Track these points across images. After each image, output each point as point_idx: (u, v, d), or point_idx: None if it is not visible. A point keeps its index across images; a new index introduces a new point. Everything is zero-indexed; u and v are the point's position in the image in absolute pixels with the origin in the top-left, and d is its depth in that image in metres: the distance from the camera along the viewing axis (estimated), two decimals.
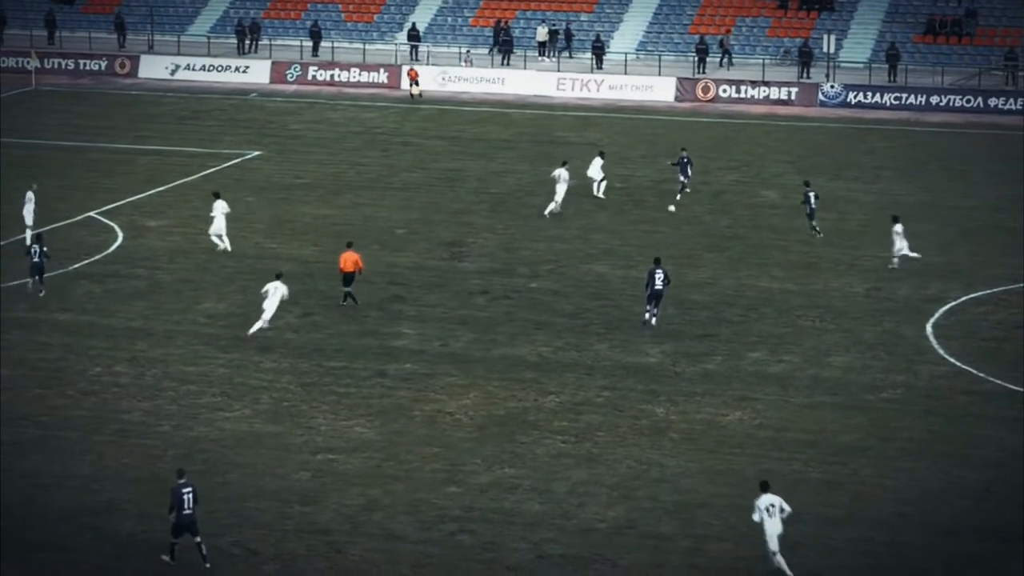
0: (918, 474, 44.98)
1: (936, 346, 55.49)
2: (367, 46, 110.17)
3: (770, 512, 38.09)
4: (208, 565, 38.20)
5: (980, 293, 61.15)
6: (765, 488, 38.85)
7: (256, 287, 59.88)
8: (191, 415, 48.98)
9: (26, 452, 46.08)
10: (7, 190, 74.74)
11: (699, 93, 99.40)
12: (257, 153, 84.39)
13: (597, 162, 73.93)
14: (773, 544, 37.87)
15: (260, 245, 67.02)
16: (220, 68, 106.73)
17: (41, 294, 58.49)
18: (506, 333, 56.54)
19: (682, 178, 74.32)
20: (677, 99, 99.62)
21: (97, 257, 64.69)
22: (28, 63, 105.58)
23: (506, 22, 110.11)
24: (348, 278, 58.41)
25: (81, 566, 39.58)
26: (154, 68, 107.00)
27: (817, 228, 67.39)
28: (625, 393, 50.79)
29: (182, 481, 38.74)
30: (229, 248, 64.29)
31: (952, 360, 54.07)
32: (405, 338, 55.65)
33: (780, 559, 37.72)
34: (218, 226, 64.86)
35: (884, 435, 47.92)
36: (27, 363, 48.64)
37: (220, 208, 64.98)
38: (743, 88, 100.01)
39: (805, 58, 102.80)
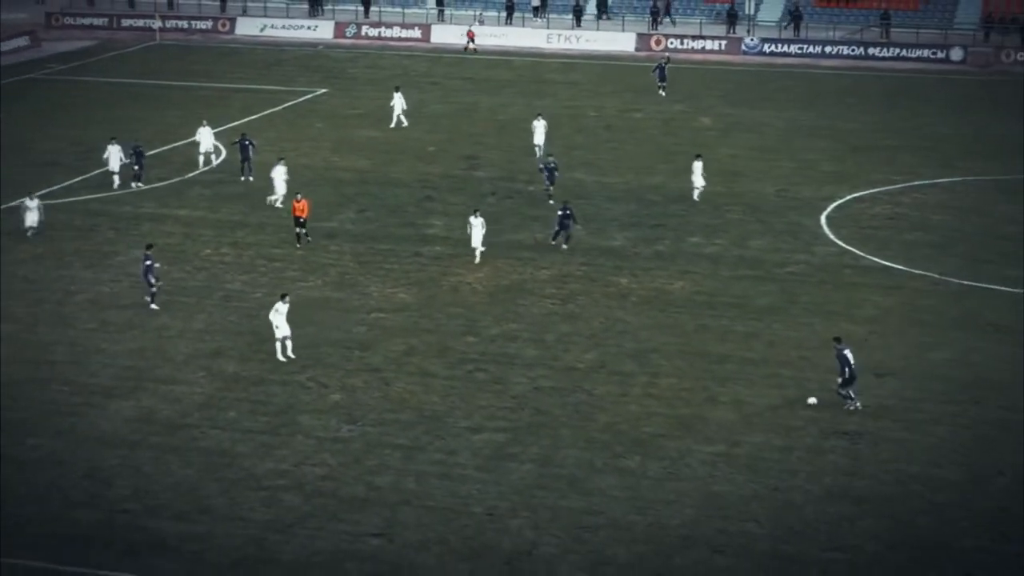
0: (815, 328, 45.08)
1: (828, 232, 55.47)
2: (405, 9, 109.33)
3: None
4: None
5: (862, 193, 61.05)
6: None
7: (325, 193, 59.93)
8: (277, 284, 48.96)
9: (156, 313, 46.22)
10: (142, 118, 74.63)
11: (652, 45, 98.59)
12: (324, 91, 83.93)
13: (540, 125, 67.13)
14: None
15: (327, 159, 66.84)
16: (296, 27, 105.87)
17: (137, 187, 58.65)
18: (510, 224, 56.49)
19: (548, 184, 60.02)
20: (636, 49, 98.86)
21: (205, 169, 64.50)
22: (153, 23, 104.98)
23: None
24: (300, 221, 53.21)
25: (197, 396, 39.84)
26: (247, 27, 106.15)
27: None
28: (598, 268, 50.85)
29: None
30: (279, 205, 57.70)
31: (840, 243, 54.08)
32: (435, 228, 55.64)
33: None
34: (279, 191, 57.96)
35: (790, 299, 48.04)
36: (156, 246, 48.60)
37: (280, 174, 58.09)
38: (686, 41, 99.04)
39: (731, 18, 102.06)
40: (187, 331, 44.45)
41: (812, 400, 39.08)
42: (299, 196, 53.47)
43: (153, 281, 46.22)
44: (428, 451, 36.48)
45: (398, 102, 74.17)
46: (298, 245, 52.66)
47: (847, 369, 38.32)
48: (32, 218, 52.92)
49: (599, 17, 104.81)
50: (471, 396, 39.87)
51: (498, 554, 31.57)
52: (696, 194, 59.18)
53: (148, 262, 46.29)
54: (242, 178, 62.63)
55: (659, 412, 38.77)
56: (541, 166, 61.01)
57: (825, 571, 30.96)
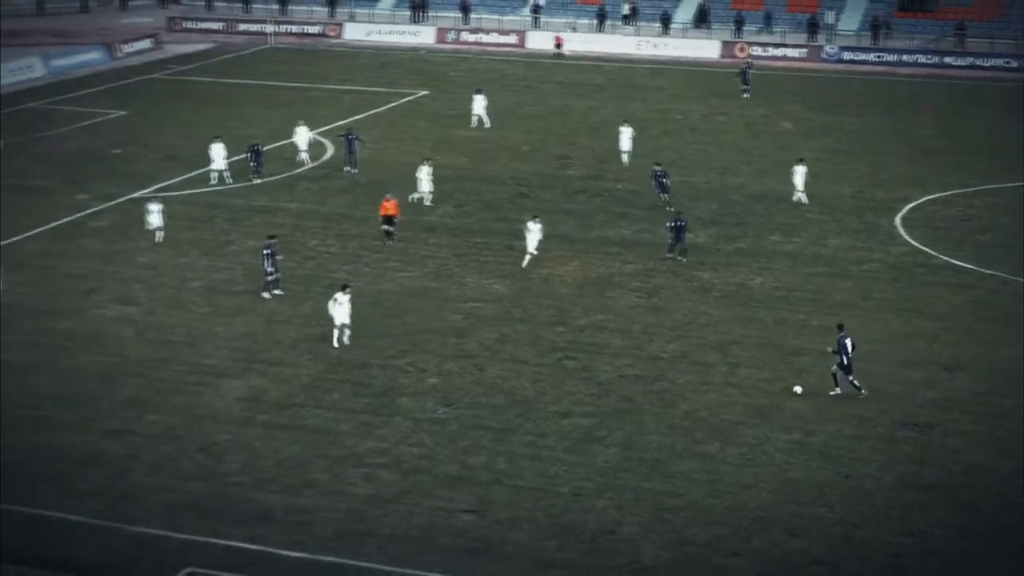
0: (888, 323, 44.69)
1: (903, 233, 54.86)
2: (502, 16, 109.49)
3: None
4: None
5: (935, 195, 60.32)
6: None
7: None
8: (379, 274, 49.32)
9: (267, 299, 46.61)
10: (255, 116, 75.30)
11: (737, 52, 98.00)
12: (425, 92, 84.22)
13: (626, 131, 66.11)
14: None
15: (428, 157, 67.00)
16: (399, 32, 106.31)
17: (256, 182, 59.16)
18: (599, 220, 56.42)
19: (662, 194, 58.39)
20: (721, 56, 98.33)
21: (314, 164, 64.96)
22: (266, 28, 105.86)
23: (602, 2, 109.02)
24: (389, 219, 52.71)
25: (303, 378, 40.15)
26: (354, 32, 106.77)
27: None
28: (681, 263, 50.60)
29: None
30: (428, 203, 57.63)
31: (914, 243, 53.47)
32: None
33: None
34: (423, 189, 57.97)
35: (864, 295, 47.59)
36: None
37: (426, 174, 58.07)
38: (768, 48, 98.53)
39: (812, 28, 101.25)
40: (295, 316, 44.81)
41: (798, 389, 38.89)
42: (388, 196, 53.35)
43: (271, 270, 46.56)
44: (519, 433, 36.55)
45: (478, 103, 74.31)
46: (389, 242, 52.40)
47: (844, 357, 38.19)
48: (155, 220, 52.45)
49: (697, 27, 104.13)
50: (560, 382, 39.87)
51: (583, 532, 31.58)
52: (796, 197, 58.41)
53: (268, 251, 46.65)
54: (346, 169, 63.19)
55: (738, 401, 38.58)
56: (652, 176, 58.59)
57: (896, 555, 30.68)
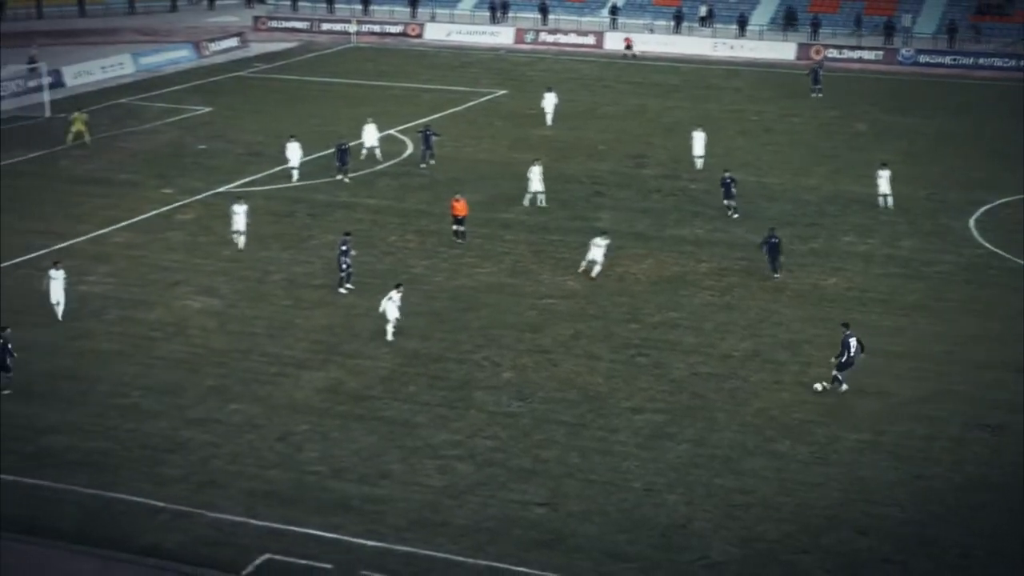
0: (961, 324, 44.23)
1: (976, 235, 54.24)
2: (580, 17, 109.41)
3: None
4: None
5: (1009, 198, 59.57)
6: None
7: (503, 186, 60.23)
8: (456, 269, 49.44)
9: (346, 292, 46.84)
10: (338, 114, 75.69)
11: (812, 54, 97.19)
12: (503, 92, 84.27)
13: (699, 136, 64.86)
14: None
15: (505, 155, 67.08)
16: (479, 33, 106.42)
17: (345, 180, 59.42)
18: (673, 219, 56.22)
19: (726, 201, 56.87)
20: (797, 58, 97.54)
21: (393, 161, 65.23)
22: (349, 27, 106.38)
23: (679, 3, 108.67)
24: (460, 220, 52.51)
25: (381, 370, 40.30)
26: (435, 32, 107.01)
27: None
28: (755, 262, 50.27)
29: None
30: (541, 203, 56.82)
31: (987, 245, 52.84)
32: (603, 221, 55.42)
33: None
34: (534, 188, 56.88)
35: (936, 296, 47.12)
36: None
37: (536, 174, 56.72)
38: (843, 51, 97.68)
39: (889, 30, 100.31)
40: (373, 310, 44.92)
41: (818, 387, 38.69)
42: (459, 195, 53.15)
43: (345, 266, 46.82)
44: (591, 428, 36.51)
45: (549, 101, 74.37)
46: (460, 241, 52.17)
47: (846, 354, 38.17)
48: (240, 223, 51.76)
49: (785, 29, 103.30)
50: (633, 379, 39.78)
51: (654, 527, 31.50)
52: (881, 201, 57.46)
53: (344, 247, 46.90)
54: (422, 165, 63.45)
55: (809, 400, 38.31)
56: (721, 182, 56.94)
57: (965, 555, 30.34)
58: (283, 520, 31.42)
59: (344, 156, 61.02)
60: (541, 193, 57.40)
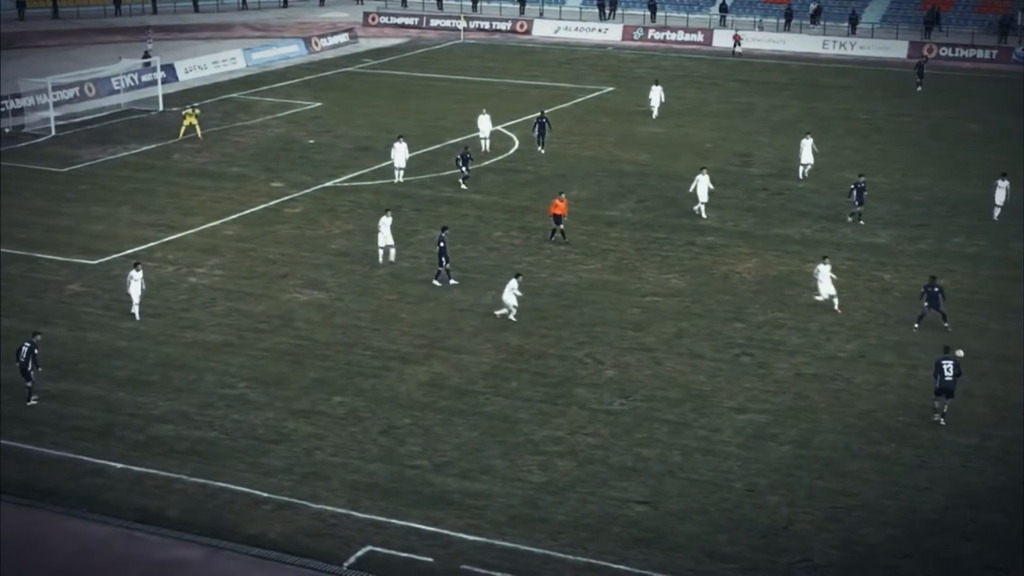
0: None
1: None
2: (689, 15, 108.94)
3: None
4: None
5: None
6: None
7: (609, 184, 60.20)
8: (560, 266, 49.44)
9: (450, 287, 47.04)
10: (445, 110, 76.02)
11: (925, 53, 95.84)
12: (611, 89, 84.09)
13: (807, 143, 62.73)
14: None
15: (611, 152, 66.99)
16: (587, 29, 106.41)
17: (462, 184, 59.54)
18: (779, 218, 55.78)
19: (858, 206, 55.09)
20: (908, 57, 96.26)
21: (500, 157, 65.37)
22: (458, 23, 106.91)
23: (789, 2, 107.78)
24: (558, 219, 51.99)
25: (483, 365, 40.39)
26: (543, 29, 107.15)
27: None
28: (862, 263, 49.81)
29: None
30: (703, 215, 55.07)
31: None
32: (709, 219, 55.13)
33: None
34: (702, 198, 55.23)
35: None
36: (451, 227, 49.48)
37: (704, 183, 54.81)
38: (957, 49, 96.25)
39: (1004, 29, 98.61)
40: (477, 305, 45.14)
41: (940, 420, 36.69)
42: (562, 195, 52.81)
43: (443, 261, 46.97)
44: (693, 427, 36.34)
45: (655, 95, 74.41)
46: (564, 239, 51.79)
47: (937, 378, 36.22)
48: (385, 237, 49.02)
49: (928, 31, 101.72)
50: (736, 378, 39.54)
51: (755, 527, 31.29)
52: (996, 213, 55.50)
53: (443, 244, 47.09)
54: (539, 148, 64.85)
55: (915, 403, 37.80)
56: (851, 186, 54.99)
57: None
58: (385, 513, 31.63)
59: (466, 163, 59.91)
60: (704, 204, 55.31)
